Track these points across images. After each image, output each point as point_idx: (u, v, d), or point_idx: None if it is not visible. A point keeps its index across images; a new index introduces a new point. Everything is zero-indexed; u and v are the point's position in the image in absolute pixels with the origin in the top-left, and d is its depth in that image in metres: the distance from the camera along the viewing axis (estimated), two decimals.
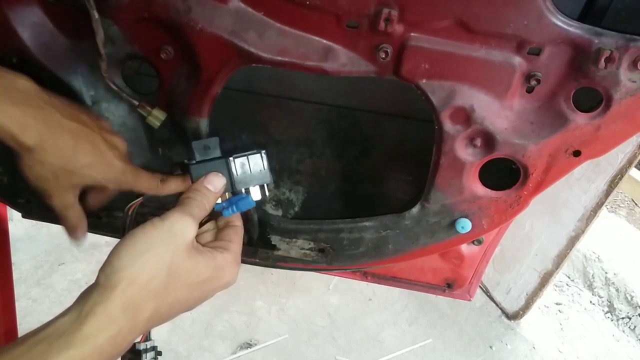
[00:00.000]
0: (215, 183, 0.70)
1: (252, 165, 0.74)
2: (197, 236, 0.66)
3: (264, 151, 0.75)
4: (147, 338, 0.73)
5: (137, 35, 0.74)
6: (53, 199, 0.67)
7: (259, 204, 1.03)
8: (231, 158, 0.73)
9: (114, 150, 0.68)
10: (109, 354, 0.52)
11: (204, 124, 0.79)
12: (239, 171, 0.73)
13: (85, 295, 0.54)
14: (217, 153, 0.74)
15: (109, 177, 0.67)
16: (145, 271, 0.55)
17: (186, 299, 0.61)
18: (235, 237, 0.70)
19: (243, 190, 0.74)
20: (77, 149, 0.64)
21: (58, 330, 0.50)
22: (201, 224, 0.70)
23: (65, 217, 0.71)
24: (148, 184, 0.72)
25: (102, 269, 0.56)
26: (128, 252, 0.56)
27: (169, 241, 0.58)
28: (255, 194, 0.75)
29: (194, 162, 0.72)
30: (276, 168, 1.05)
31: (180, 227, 0.59)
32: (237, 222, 0.73)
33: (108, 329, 0.52)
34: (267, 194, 0.77)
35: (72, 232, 0.73)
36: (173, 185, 0.74)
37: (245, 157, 0.74)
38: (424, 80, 0.69)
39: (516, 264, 2.23)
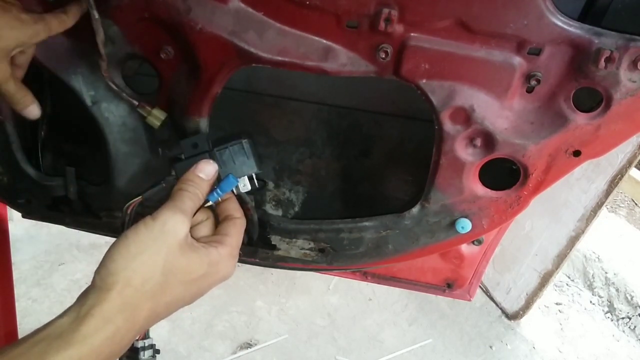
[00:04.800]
0: (207, 170, 0.68)
1: (236, 156, 0.72)
2: (192, 229, 0.66)
3: (245, 140, 0.72)
4: (145, 336, 0.73)
5: (137, 35, 0.74)
6: None
7: (259, 204, 1.03)
8: (214, 150, 0.71)
9: (14, 7, 0.66)
10: (107, 354, 0.53)
11: (204, 124, 0.79)
12: (224, 163, 0.71)
13: (83, 298, 0.55)
14: (206, 149, 0.72)
15: (27, 32, 0.66)
16: (139, 273, 0.56)
17: (183, 297, 0.61)
18: (234, 230, 0.68)
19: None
20: None
21: (56, 331, 0.51)
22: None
23: (8, 93, 0.69)
24: (58, 22, 0.69)
25: (98, 271, 0.56)
26: (121, 255, 0.56)
27: (161, 241, 0.58)
28: (244, 185, 0.73)
29: (179, 160, 0.70)
30: (276, 168, 1.05)
31: (171, 225, 0.59)
32: (237, 214, 0.71)
33: (105, 330, 0.53)
34: (256, 184, 0.75)
35: (21, 104, 0.71)
36: (75, 9, 0.70)
37: (228, 148, 0.71)
38: (424, 80, 0.69)
39: (516, 264, 2.23)
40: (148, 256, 0.56)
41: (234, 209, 0.71)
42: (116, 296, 0.54)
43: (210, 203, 0.70)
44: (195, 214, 0.66)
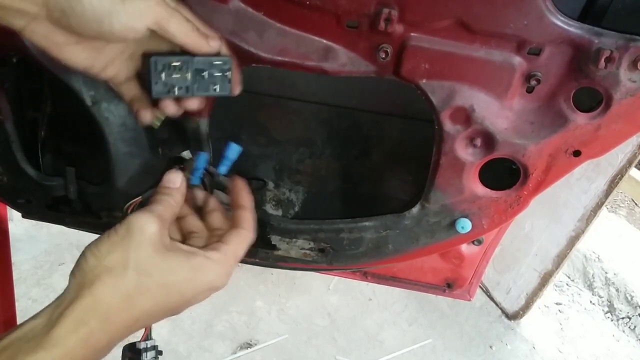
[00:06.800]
0: (173, 179, 0.66)
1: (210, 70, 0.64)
2: (188, 240, 0.65)
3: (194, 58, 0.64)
4: (147, 337, 0.73)
5: None
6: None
7: (259, 204, 1.03)
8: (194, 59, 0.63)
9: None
10: (82, 357, 0.51)
11: (204, 124, 0.79)
12: (198, 73, 0.63)
13: (58, 299, 0.54)
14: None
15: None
16: (111, 272, 0.55)
17: (164, 302, 0.58)
18: (235, 239, 0.64)
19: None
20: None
21: (28, 334, 0.50)
22: (180, 217, 0.67)
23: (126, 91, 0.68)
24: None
25: (72, 272, 0.56)
26: (93, 254, 0.56)
27: (128, 239, 0.57)
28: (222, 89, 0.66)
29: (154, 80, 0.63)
30: (276, 168, 1.05)
31: (136, 223, 0.58)
32: (246, 225, 0.66)
33: (78, 332, 0.51)
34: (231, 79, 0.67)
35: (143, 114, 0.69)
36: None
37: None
38: (424, 80, 0.69)
39: (516, 264, 2.23)
40: (118, 254, 0.56)
41: (245, 219, 0.67)
42: (88, 295, 0.53)
43: (222, 175, 0.68)
44: (174, 219, 0.64)
